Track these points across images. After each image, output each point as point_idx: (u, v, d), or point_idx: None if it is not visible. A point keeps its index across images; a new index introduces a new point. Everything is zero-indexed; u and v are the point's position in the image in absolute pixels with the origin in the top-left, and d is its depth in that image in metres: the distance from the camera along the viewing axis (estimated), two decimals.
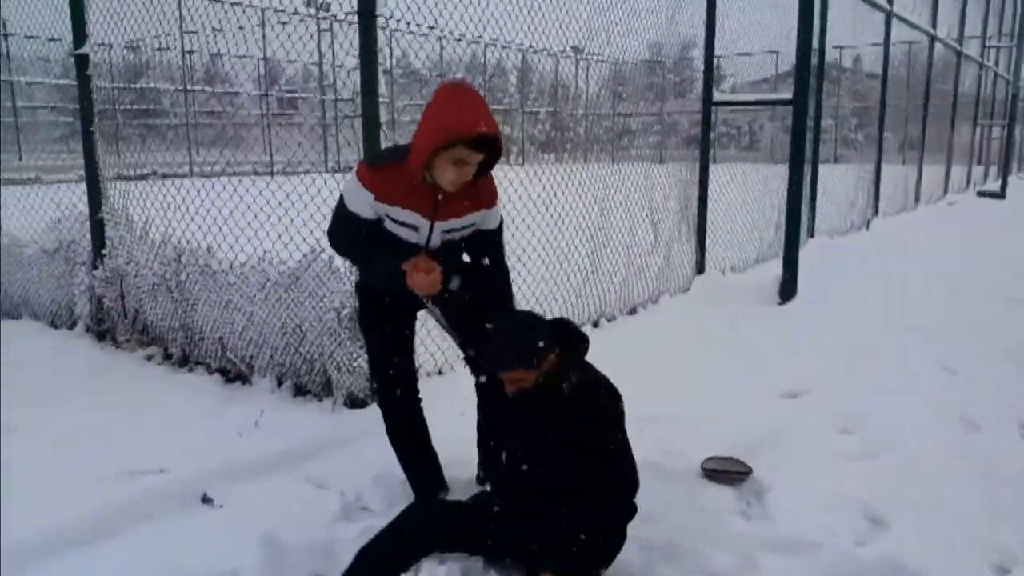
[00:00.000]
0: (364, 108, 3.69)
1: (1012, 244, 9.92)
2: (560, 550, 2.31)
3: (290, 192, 4.28)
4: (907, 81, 13.31)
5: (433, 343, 4.18)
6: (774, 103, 9.17)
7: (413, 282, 2.48)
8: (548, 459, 2.41)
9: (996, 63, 20.98)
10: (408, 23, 4.32)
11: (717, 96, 6.92)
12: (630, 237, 6.06)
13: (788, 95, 6.16)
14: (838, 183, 9.89)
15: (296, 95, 25.34)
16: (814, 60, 6.42)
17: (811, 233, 8.40)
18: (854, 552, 2.64)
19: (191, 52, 19.15)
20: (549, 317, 2.57)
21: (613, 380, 2.51)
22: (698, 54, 6.93)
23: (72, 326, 5.32)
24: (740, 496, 3.07)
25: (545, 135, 27.59)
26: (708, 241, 6.98)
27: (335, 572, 2.38)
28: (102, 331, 5.14)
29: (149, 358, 4.79)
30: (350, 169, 2.65)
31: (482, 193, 2.62)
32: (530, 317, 2.51)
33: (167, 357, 4.76)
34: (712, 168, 6.97)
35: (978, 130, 20.18)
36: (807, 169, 6.71)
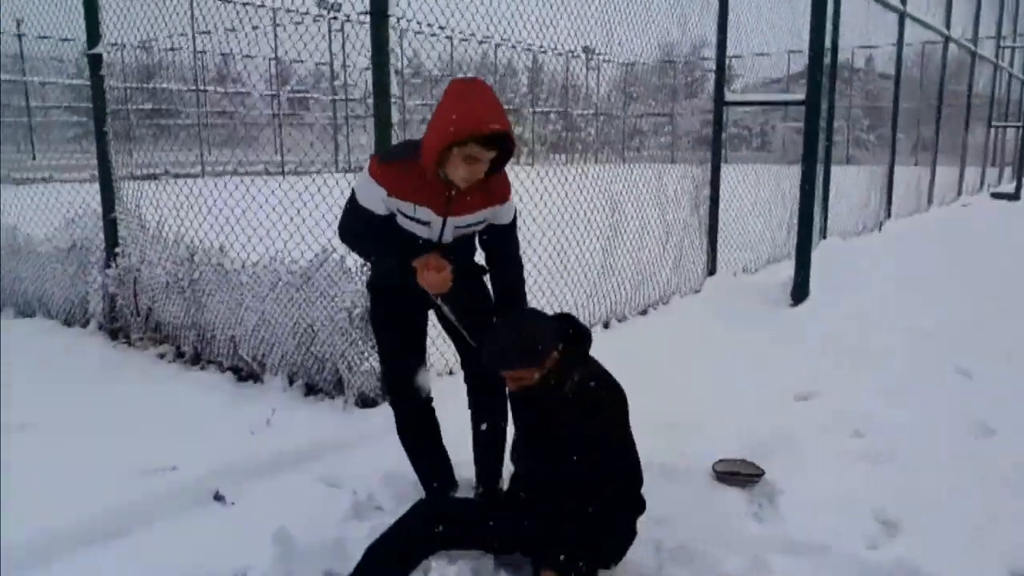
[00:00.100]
0: (376, 108, 3.70)
1: None
2: (562, 548, 2.30)
3: (302, 192, 4.30)
4: (920, 82, 13.23)
5: (443, 343, 4.18)
6: (787, 103, 9.14)
7: (423, 280, 2.47)
8: (551, 456, 2.40)
9: (1011, 64, 20.84)
10: (420, 23, 4.33)
11: (729, 96, 6.89)
12: (641, 238, 6.05)
13: (801, 95, 6.13)
14: (850, 184, 9.84)
15: (307, 95, 25.42)
16: (827, 60, 6.39)
17: (823, 234, 8.35)
18: (866, 555, 2.63)
19: (203, 52, 19.27)
20: (552, 312, 2.56)
21: (624, 381, 2.50)
22: (709, 54, 6.91)
23: (85, 324, 5.35)
24: (752, 498, 3.06)
25: (556, 135, 27.59)
26: (720, 242, 6.96)
27: (347, 570, 2.38)
28: (115, 329, 5.17)
29: (161, 356, 4.81)
30: (361, 169, 2.65)
31: (495, 189, 2.60)
32: (533, 315, 2.50)
33: (179, 355, 4.78)
34: (724, 168, 6.95)
35: (992, 131, 20.04)
36: (819, 170, 6.67)
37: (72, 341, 5.14)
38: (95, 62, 4.97)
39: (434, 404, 2.95)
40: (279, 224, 4.36)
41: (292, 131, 22.66)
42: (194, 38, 17.84)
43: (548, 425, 2.40)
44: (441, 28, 5.04)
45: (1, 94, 12.75)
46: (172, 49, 19.53)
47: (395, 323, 2.80)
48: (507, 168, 2.62)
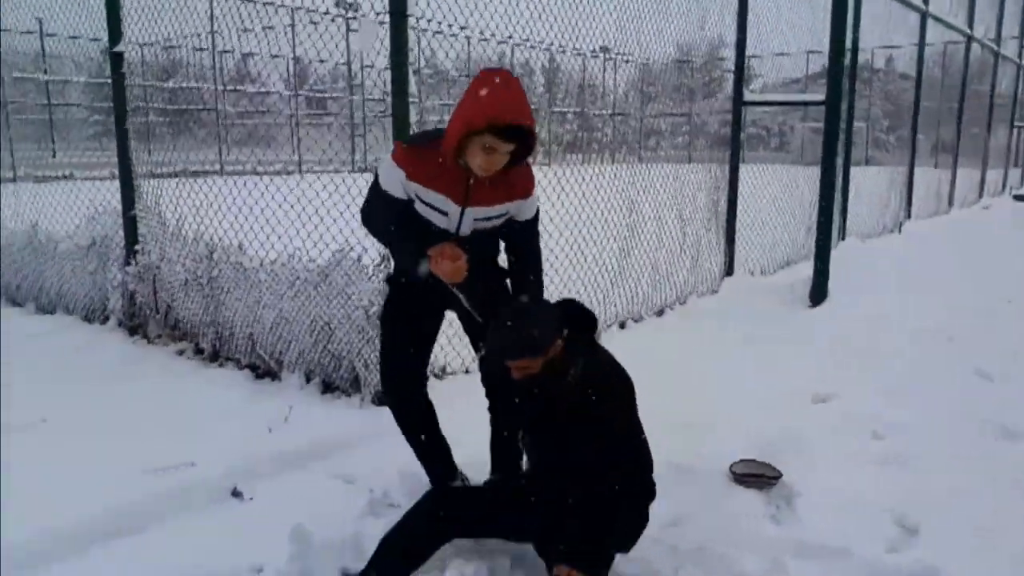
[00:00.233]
0: (394, 107, 3.71)
1: None
2: (568, 540, 2.27)
3: (320, 191, 4.31)
4: (941, 82, 13.10)
5: (459, 341, 4.18)
6: (806, 103, 9.08)
7: (437, 268, 2.45)
8: (556, 444, 2.38)
9: None
10: (439, 23, 4.33)
11: (748, 96, 6.86)
12: (658, 238, 6.03)
13: (820, 96, 6.09)
14: (870, 185, 9.77)
15: (325, 95, 25.51)
16: (847, 60, 6.34)
17: (842, 235, 8.30)
18: (885, 559, 2.61)
19: (223, 52, 19.38)
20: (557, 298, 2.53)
21: (639, 381, 2.47)
22: (728, 54, 6.88)
23: (105, 321, 5.40)
24: (769, 500, 3.04)
25: (572, 135, 27.54)
26: (737, 242, 6.93)
27: (363, 567, 2.39)
28: (134, 326, 5.21)
29: (180, 353, 4.84)
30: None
31: (517, 183, 2.57)
32: (535, 304, 2.47)
33: (198, 352, 4.81)
34: (741, 169, 6.92)
35: (1015, 132, 19.81)
36: (839, 171, 6.62)
37: (92, 337, 5.19)
38: (116, 60, 5.01)
39: (433, 400, 2.94)
40: (297, 223, 4.38)
41: (310, 131, 22.76)
42: (213, 37, 17.96)
43: (553, 413, 2.37)
44: (462, 28, 5.02)
45: (2, 92, 12.85)
46: (192, 48, 19.67)
47: (405, 319, 2.78)
48: None
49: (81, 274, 5.57)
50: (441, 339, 4.13)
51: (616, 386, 2.39)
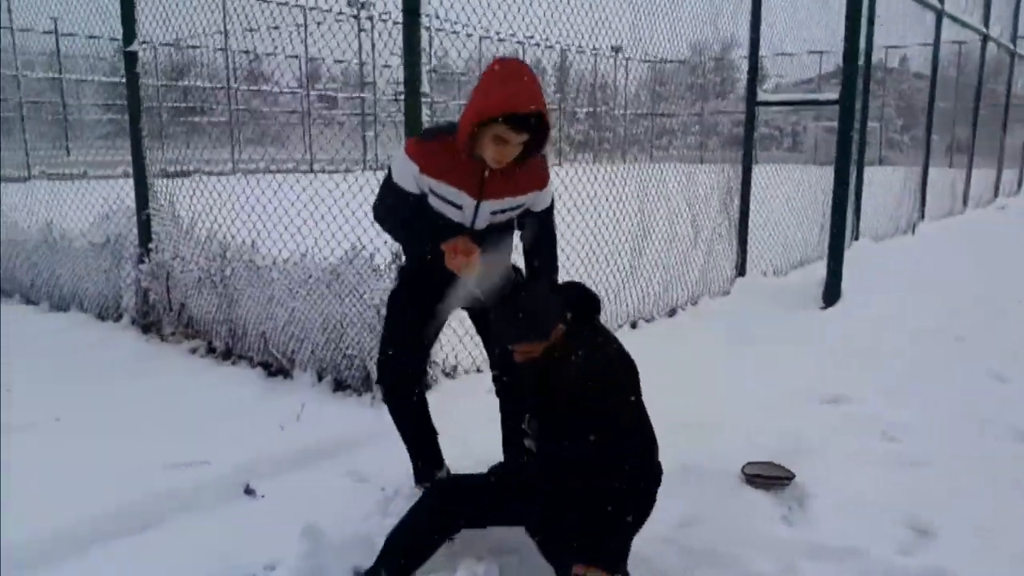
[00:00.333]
0: (407, 107, 3.72)
1: None
2: (586, 536, 2.25)
3: (332, 189, 4.33)
4: (956, 81, 13.01)
5: (471, 340, 4.19)
6: (820, 103, 9.04)
7: (451, 263, 2.42)
8: (556, 433, 2.35)
9: None
10: (452, 23, 4.34)
11: (761, 95, 6.83)
12: (670, 238, 6.01)
13: (834, 95, 6.07)
14: (883, 186, 9.72)
15: (337, 94, 25.58)
16: (861, 60, 6.31)
17: (855, 236, 8.26)
18: (898, 561, 2.59)
19: (240, 52, 19.48)
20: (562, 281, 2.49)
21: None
22: (739, 53, 6.86)
23: (118, 318, 5.43)
24: (781, 502, 3.03)
25: (583, 135, 27.51)
26: (750, 243, 6.90)
27: None
28: (148, 324, 5.24)
29: (193, 351, 4.87)
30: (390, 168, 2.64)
31: (533, 174, 2.54)
32: (537, 288, 2.43)
33: (211, 350, 4.83)
34: (754, 169, 6.89)
35: None
36: (852, 171, 6.59)
37: (105, 335, 5.22)
38: (131, 60, 5.04)
39: (443, 399, 2.93)
40: (310, 221, 4.39)
41: (323, 129, 22.82)
42: (226, 36, 18.05)
43: (553, 404, 2.34)
44: (478, 29, 5.03)
45: (1, 90, 12.96)
46: (204, 47, 19.76)
47: (413, 307, 2.73)
48: None
49: (95, 272, 5.60)
50: (452, 338, 4.16)
51: (620, 375, 2.33)
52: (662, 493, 2.33)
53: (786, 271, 7.35)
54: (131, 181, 5.25)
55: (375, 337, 3.87)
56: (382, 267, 3.93)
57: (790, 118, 33.09)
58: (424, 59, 3.73)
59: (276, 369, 4.41)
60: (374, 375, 3.90)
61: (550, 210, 2.71)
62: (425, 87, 3.70)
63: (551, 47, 21.17)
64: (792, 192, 7.66)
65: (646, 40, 5.85)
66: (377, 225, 2.69)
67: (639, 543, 2.56)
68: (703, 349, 5.00)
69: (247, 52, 19.16)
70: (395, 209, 2.56)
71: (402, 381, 2.82)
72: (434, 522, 2.37)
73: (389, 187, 2.55)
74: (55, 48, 19.40)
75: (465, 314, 2.99)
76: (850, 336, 5.23)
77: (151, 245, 5.12)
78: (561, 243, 2.98)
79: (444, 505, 2.38)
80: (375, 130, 22.58)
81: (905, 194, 10.49)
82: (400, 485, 3.06)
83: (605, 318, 3.26)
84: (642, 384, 2.38)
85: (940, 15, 10.26)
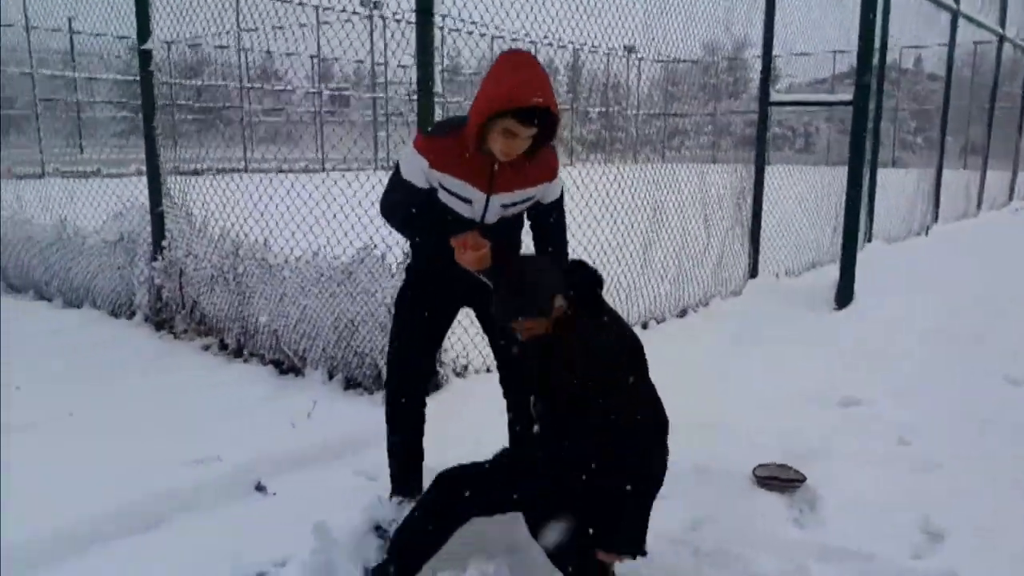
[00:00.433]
0: (420, 106, 3.72)
1: None
2: (593, 526, 2.23)
3: (345, 189, 4.34)
4: (971, 82, 12.92)
5: (483, 340, 4.18)
6: (833, 104, 8.98)
7: (461, 258, 2.39)
8: (557, 435, 2.32)
9: None
10: (464, 21, 4.34)
11: (774, 96, 6.80)
12: (682, 239, 6.00)
13: (847, 96, 6.03)
14: (897, 187, 9.67)
15: (348, 93, 25.64)
16: (875, 60, 6.28)
17: (868, 238, 8.22)
18: (909, 565, 2.58)
19: (249, 50, 19.55)
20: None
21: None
22: (752, 53, 6.84)
23: (131, 315, 5.46)
24: (792, 504, 3.02)
25: (595, 135, 27.47)
26: (762, 244, 6.87)
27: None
28: (160, 321, 5.26)
29: (206, 348, 4.89)
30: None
31: (542, 166, 2.51)
32: (536, 261, 2.39)
33: (223, 347, 4.85)
34: (767, 169, 6.86)
35: None
36: (865, 172, 6.56)
37: (118, 332, 5.25)
38: (145, 58, 5.06)
39: (452, 397, 2.91)
40: (322, 220, 4.41)
41: (336, 128, 22.88)
42: (239, 35, 18.11)
43: (558, 377, 2.29)
44: (491, 28, 5.02)
45: (1, 87, 13.05)
46: (219, 47, 19.86)
47: (422, 310, 2.70)
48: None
49: (108, 269, 5.63)
50: (464, 337, 4.16)
51: (621, 355, 2.27)
52: (672, 494, 2.33)
53: (799, 272, 7.33)
54: (144, 179, 5.28)
55: (386, 336, 3.87)
56: (394, 266, 3.94)
57: (802, 118, 32.95)
58: (437, 58, 3.74)
59: (287, 367, 4.42)
60: (385, 374, 3.91)
61: (560, 202, 2.69)
62: (438, 87, 3.71)
63: (563, 47, 21.13)
64: (805, 193, 7.63)
65: (659, 40, 5.84)
66: (385, 222, 2.64)
67: (650, 542, 2.55)
68: (714, 350, 4.98)
69: (250, 50, 19.23)
70: (403, 205, 2.52)
71: (409, 380, 2.80)
72: (443, 513, 2.34)
73: (397, 183, 2.52)
74: (69, 46, 19.54)
75: (475, 314, 2.98)
76: (862, 338, 5.21)
77: (164, 243, 5.14)
78: (572, 243, 2.97)
79: (452, 495, 2.35)
80: (387, 130, 22.62)
81: (919, 196, 10.44)
82: None
83: None
84: (654, 386, 2.37)
85: (956, 15, 10.20)
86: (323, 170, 18.03)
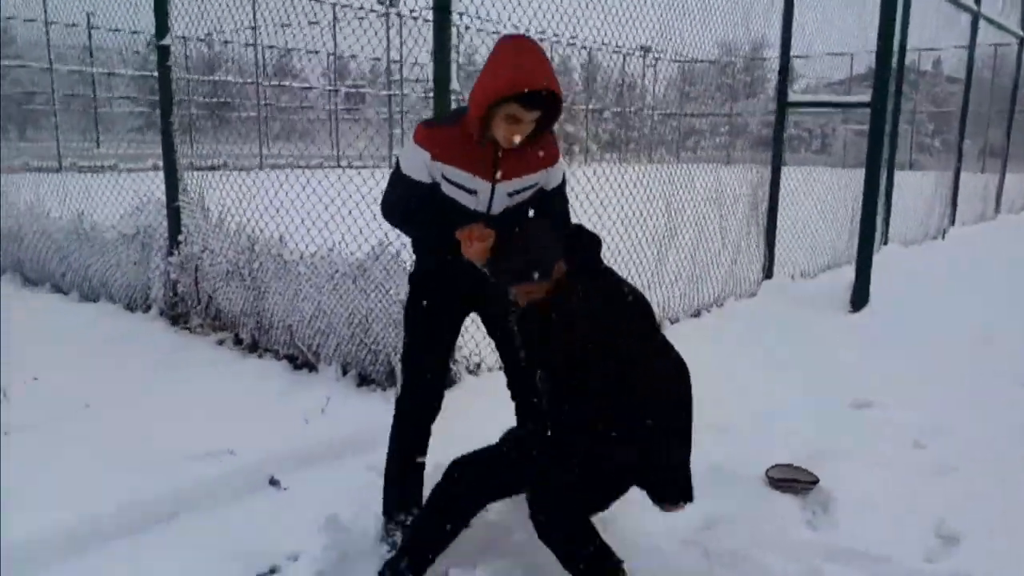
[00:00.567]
0: (436, 103, 3.73)
1: None
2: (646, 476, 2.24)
3: (360, 186, 4.34)
4: (992, 84, 12.81)
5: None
6: (851, 105, 8.92)
7: (467, 251, 2.33)
8: (561, 380, 2.30)
9: None
10: (481, 19, 4.34)
11: (792, 97, 6.77)
12: (696, 239, 5.98)
13: (865, 97, 5.99)
14: (914, 190, 9.60)
15: (364, 90, 25.70)
16: (894, 62, 6.23)
17: (885, 240, 8.17)
18: (923, 568, 2.57)
19: (266, 47, 19.63)
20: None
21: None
22: (770, 54, 6.80)
23: (147, 309, 5.50)
24: (806, 506, 3.00)
25: (609, 134, 27.43)
26: (778, 245, 6.84)
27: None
28: (176, 315, 5.29)
29: (221, 343, 4.92)
30: None
31: (544, 151, 2.48)
32: (537, 224, 2.34)
33: (238, 342, 4.88)
34: (783, 171, 6.83)
35: None
36: (882, 175, 6.52)
37: (134, 326, 5.29)
38: (163, 54, 5.09)
39: (465, 396, 2.88)
40: (337, 217, 4.42)
41: (352, 125, 22.94)
42: (255, 32, 18.19)
43: (555, 341, 2.27)
44: (507, 26, 5.01)
45: (2, 84, 13.15)
46: (234, 43, 19.95)
47: (433, 321, 2.65)
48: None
49: (125, 263, 5.67)
50: (477, 335, 4.16)
51: (624, 317, 2.25)
52: None
53: (814, 274, 7.29)
54: (161, 174, 5.30)
55: (400, 332, 3.88)
56: (408, 263, 3.94)
57: (819, 120, 32.77)
58: (453, 56, 3.74)
59: (301, 362, 4.44)
60: (398, 370, 3.92)
61: (563, 187, 2.66)
62: (455, 84, 3.71)
63: (581, 47, 21.11)
64: (821, 195, 7.59)
65: (676, 40, 5.82)
66: (386, 219, 2.57)
67: (662, 543, 2.56)
68: (727, 351, 4.96)
69: (266, 47, 19.31)
70: (405, 201, 2.46)
71: (427, 406, 2.71)
72: (455, 502, 2.34)
73: (398, 180, 2.45)
74: (87, 42, 19.68)
75: (481, 320, 2.94)
76: (877, 341, 5.18)
77: (180, 237, 5.17)
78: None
79: (463, 484, 2.35)
80: (402, 127, 22.65)
81: (936, 199, 10.36)
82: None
83: None
84: (643, 303, 2.35)
85: (976, 17, 10.11)
86: (338, 166, 18.10)
